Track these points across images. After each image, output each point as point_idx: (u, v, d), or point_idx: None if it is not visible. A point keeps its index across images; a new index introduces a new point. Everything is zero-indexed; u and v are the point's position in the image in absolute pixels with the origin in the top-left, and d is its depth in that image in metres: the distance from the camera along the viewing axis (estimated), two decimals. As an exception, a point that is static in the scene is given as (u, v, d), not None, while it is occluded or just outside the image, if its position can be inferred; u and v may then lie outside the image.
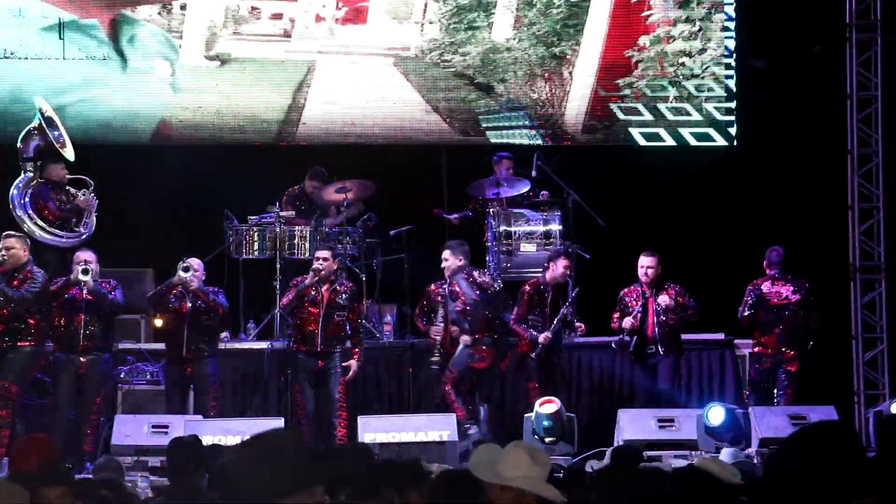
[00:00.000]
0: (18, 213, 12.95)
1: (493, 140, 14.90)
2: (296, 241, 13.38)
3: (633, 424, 11.90)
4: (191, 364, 12.02)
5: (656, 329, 12.40)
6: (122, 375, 12.54)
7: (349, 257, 13.41)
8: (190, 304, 12.02)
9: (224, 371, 12.74)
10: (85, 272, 11.73)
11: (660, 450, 11.42)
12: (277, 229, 13.31)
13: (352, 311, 12.21)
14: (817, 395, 13.18)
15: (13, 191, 13.03)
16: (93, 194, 13.01)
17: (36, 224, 12.92)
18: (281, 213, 13.39)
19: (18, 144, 13.16)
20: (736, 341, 13.28)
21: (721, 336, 13.39)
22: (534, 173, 13.94)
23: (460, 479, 4.76)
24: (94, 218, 13.02)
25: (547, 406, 11.80)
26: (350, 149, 14.92)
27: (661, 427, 11.84)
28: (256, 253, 13.39)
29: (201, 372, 12.05)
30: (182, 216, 13.51)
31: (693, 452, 11.42)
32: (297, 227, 13.44)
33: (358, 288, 12.81)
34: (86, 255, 11.99)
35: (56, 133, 13.11)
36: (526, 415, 11.94)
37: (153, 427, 11.57)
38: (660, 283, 12.52)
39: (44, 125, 13.12)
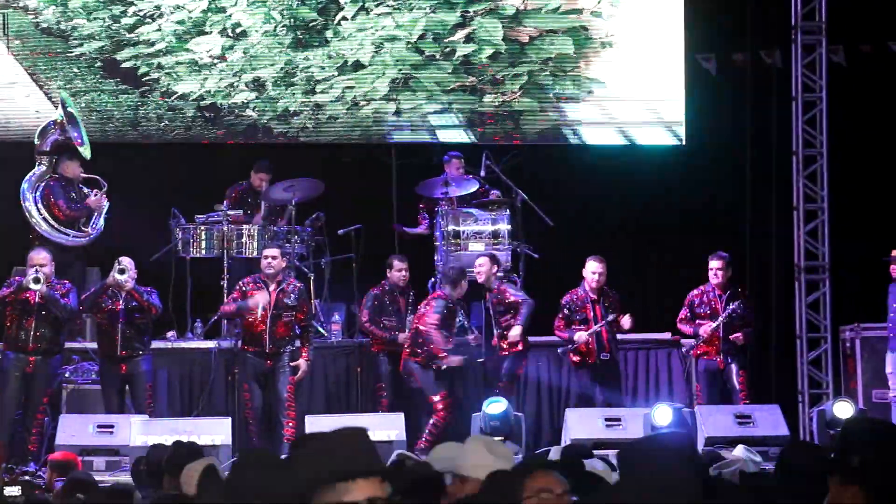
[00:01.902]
0: (27, 206, 12.91)
1: (442, 139, 14.90)
2: (243, 240, 13.33)
3: (581, 424, 11.95)
4: (125, 362, 11.96)
5: (605, 335, 12.49)
6: (66, 375, 12.46)
7: (297, 256, 13.38)
8: (123, 304, 11.97)
9: (171, 370, 12.68)
10: (36, 280, 11.67)
11: (607, 449, 11.45)
12: (225, 228, 13.26)
13: (300, 311, 12.20)
14: (762, 394, 13.30)
15: (25, 183, 12.98)
16: (105, 196, 12.97)
17: (43, 219, 12.88)
18: (228, 213, 13.34)
19: (35, 138, 13.11)
20: (682, 340, 13.36)
21: (668, 335, 13.46)
22: (483, 173, 13.96)
23: (422, 473, 4.78)
24: (103, 220, 12.98)
25: (494, 406, 11.84)
26: (298, 147, 14.89)
27: (608, 426, 11.90)
28: (204, 252, 13.34)
29: (136, 370, 12.01)
30: (128, 215, 13.41)
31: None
32: (244, 226, 13.39)
33: (306, 287, 12.79)
34: (40, 256, 11.92)
35: (76, 131, 13.05)
36: (474, 414, 11.97)
37: (98, 427, 11.51)
38: (603, 287, 12.59)
39: (65, 121, 13.08)
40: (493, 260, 12.68)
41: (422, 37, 14.78)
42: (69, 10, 14.45)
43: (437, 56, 14.82)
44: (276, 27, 14.67)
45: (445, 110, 14.86)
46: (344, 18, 14.72)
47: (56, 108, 13.59)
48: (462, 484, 4.55)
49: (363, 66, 14.74)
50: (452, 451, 4.62)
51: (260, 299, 12.02)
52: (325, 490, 3.15)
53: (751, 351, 12.95)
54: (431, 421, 12.03)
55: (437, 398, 12.13)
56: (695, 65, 15.09)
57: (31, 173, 13.08)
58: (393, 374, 12.62)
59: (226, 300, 12.38)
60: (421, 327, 12.31)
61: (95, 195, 13.03)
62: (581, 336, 12.46)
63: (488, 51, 14.83)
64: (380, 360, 12.74)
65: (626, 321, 12.50)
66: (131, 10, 14.55)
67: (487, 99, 14.90)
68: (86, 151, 13.07)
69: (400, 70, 14.77)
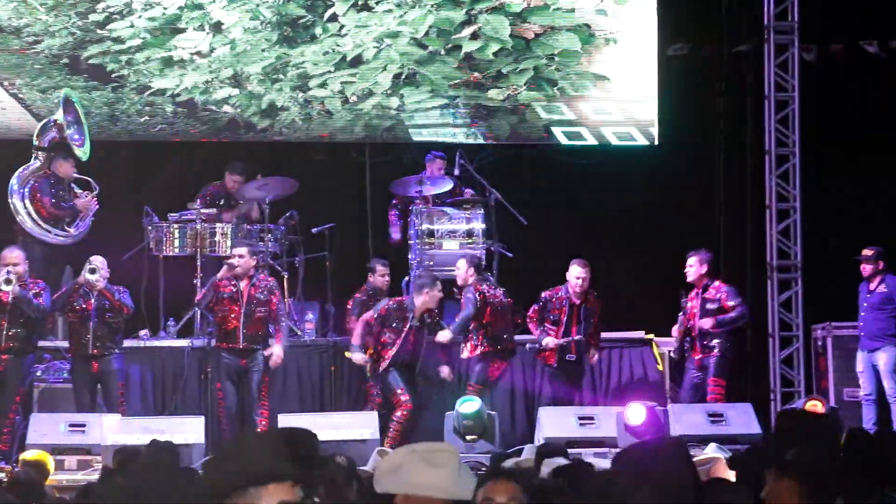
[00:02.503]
0: (14, 201, 12.89)
1: (416, 138, 14.90)
2: (217, 239, 13.30)
3: (554, 422, 11.96)
4: (97, 361, 11.94)
5: (582, 336, 12.49)
6: (38, 374, 12.41)
7: (271, 255, 13.36)
8: (95, 303, 11.95)
9: (144, 369, 12.65)
10: (7, 282, 11.62)
11: (580, 447, 11.49)
12: (198, 226, 13.23)
13: (270, 302, 12.16)
14: (734, 392, 13.34)
15: (14, 178, 12.94)
16: (95, 198, 12.94)
17: (28, 214, 12.83)
18: (202, 211, 13.31)
19: (35, 133, 13.08)
20: (655, 339, 13.39)
21: (641, 334, 13.50)
22: (457, 172, 13.97)
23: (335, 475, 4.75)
24: (90, 221, 12.94)
25: (468, 405, 11.84)
26: (272, 146, 14.87)
27: (581, 425, 11.92)
28: (177, 250, 13.30)
29: (108, 369, 11.98)
30: (101, 213, 13.37)
31: (612, 450, 11.51)
32: (217, 225, 13.36)
33: (278, 283, 12.75)
34: (13, 255, 11.87)
35: (75, 131, 13.00)
36: (447, 413, 11.97)
37: (70, 426, 11.47)
38: (586, 291, 12.60)
39: (63, 122, 13.05)
40: (471, 262, 12.61)
41: (426, 33, 14.80)
42: (28, 7, 14.36)
43: (442, 52, 14.85)
44: (262, 23, 14.64)
45: (448, 105, 14.87)
46: (335, 15, 14.70)
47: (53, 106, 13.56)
48: (406, 500, 4.50)
49: (362, 62, 14.72)
50: (393, 463, 4.54)
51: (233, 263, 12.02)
52: (237, 495, 3.15)
53: (733, 352, 12.91)
54: (396, 415, 11.96)
55: (399, 391, 12.07)
56: (668, 66, 15.12)
57: (23, 167, 13.05)
58: None
59: (201, 293, 12.32)
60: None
61: (84, 197, 13.00)
62: (549, 342, 12.47)
63: (494, 47, 14.86)
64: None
65: (593, 359, 12.58)
66: (100, 6, 14.48)
67: (466, 94, 14.93)
68: (82, 153, 13.03)
69: (403, 66, 14.78)
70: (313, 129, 14.78)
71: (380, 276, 13.01)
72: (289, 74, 14.69)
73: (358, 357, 12.15)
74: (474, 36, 14.84)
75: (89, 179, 13.14)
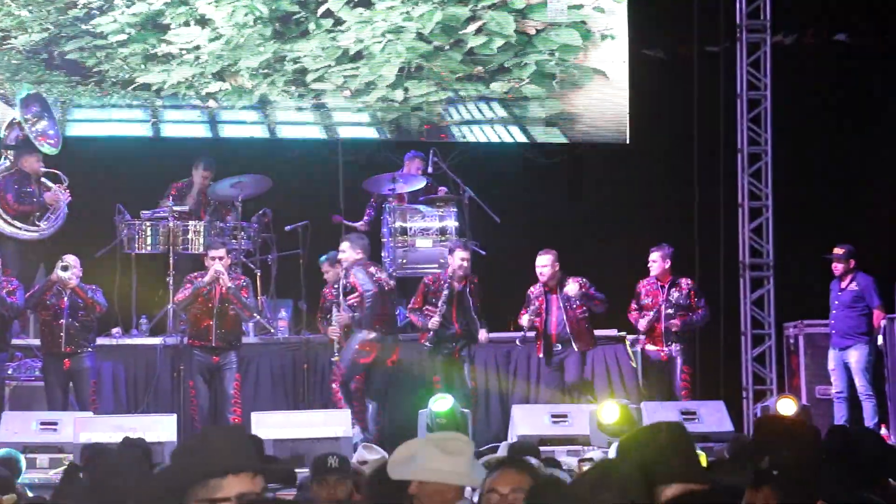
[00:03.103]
0: None
1: (390, 136, 14.90)
2: (189, 236, 13.26)
3: (527, 420, 11.97)
4: (69, 359, 11.89)
5: (564, 325, 12.49)
6: (10, 371, 12.35)
7: (244, 252, 13.32)
8: (67, 301, 11.90)
9: (116, 367, 12.60)
10: None
11: (553, 445, 11.51)
12: (170, 224, 13.18)
13: (240, 290, 12.12)
14: (707, 390, 13.38)
15: None
16: (66, 191, 12.85)
17: None
18: (174, 208, 13.27)
19: (2, 131, 13.00)
20: (628, 337, 13.42)
21: (614, 332, 13.52)
22: (430, 169, 13.97)
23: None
24: (64, 214, 12.84)
25: (441, 402, 11.83)
26: (245, 143, 14.84)
27: (554, 422, 11.93)
28: (149, 248, 13.25)
29: (80, 367, 11.94)
30: (73, 211, 13.31)
31: (585, 447, 11.53)
32: (190, 222, 13.32)
33: (252, 283, 12.70)
34: None
35: (49, 125, 12.91)
36: (420, 410, 11.96)
37: (41, 424, 11.42)
38: (562, 279, 12.61)
39: (21, 118, 12.97)
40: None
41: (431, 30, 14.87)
42: (4, 4, 14.30)
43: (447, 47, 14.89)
44: (254, 19, 14.61)
45: (455, 99, 14.89)
46: (329, 11, 14.70)
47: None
48: (420, 487, 4.52)
49: (363, 57, 14.73)
50: (409, 451, 4.58)
51: (216, 270, 11.95)
52: (198, 487, 3.16)
53: (697, 342, 12.98)
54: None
55: (341, 365, 12.11)
56: (640, 63, 15.17)
57: None
58: None
59: (179, 293, 12.27)
60: None
61: (53, 191, 12.93)
62: (525, 319, 12.51)
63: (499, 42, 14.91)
64: None
65: (568, 288, 12.53)
66: (81, 1, 14.42)
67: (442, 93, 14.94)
68: (48, 147, 12.96)
69: (408, 60, 14.79)
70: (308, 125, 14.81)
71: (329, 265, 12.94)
72: (284, 69, 14.68)
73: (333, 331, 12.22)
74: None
75: (58, 172, 13.06)
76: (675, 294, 12.66)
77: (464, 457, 4.61)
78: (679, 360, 12.63)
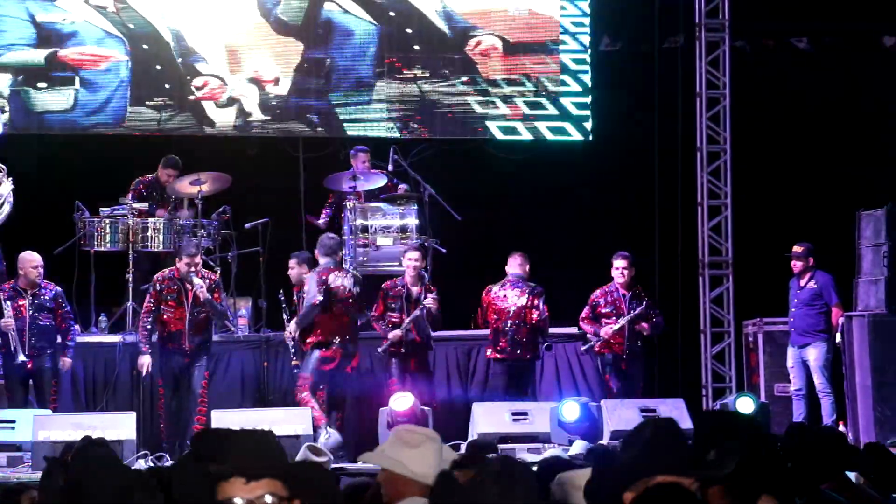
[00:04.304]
0: None
1: (350, 133, 14.87)
2: (149, 234, 13.19)
3: (487, 418, 11.98)
4: (31, 360, 11.82)
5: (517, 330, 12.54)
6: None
7: (203, 250, 13.26)
8: (29, 303, 11.83)
9: (75, 365, 12.52)
10: None
11: (514, 443, 11.53)
12: (130, 221, 13.11)
13: (213, 292, 12.06)
14: (667, 387, 13.44)
15: None
16: (7, 179, 12.68)
17: None
18: (133, 206, 13.19)
19: None
20: (582, 348, 13.43)
21: (576, 330, 13.54)
22: (390, 167, 13.95)
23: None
24: (8, 207, 12.65)
25: (401, 401, 11.82)
26: (205, 140, 14.78)
27: (514, 420, 11.95)
28: (108, 245, 13.17)
29: (40, 366, 11.86)
30: (31, 207, 13.22)
31: (546, 445, 11.55)
32: (150, 220, 13.25)
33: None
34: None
35: None
36: (381, 409, 11.95)
37: (0, 422, 11.36)
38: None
39: None
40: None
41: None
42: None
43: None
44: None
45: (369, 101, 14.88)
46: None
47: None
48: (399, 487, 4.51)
49: None
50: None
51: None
52: (224, 486, 3.15)
53: (653, 351, 13.06)
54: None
55: (305, 375, 12.07)
56: (601, 61, 15.22)
57: None
58: None
59: (146, 301, 12.14)
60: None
61: None
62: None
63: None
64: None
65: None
66: None
67: (398, 88, 14.93)
68: None
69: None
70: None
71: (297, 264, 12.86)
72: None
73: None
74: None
75: None
76: (637, 305, 12.69)
77: (423, 450, 4.59)
78: (637, 371, 12.70)
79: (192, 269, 11.93)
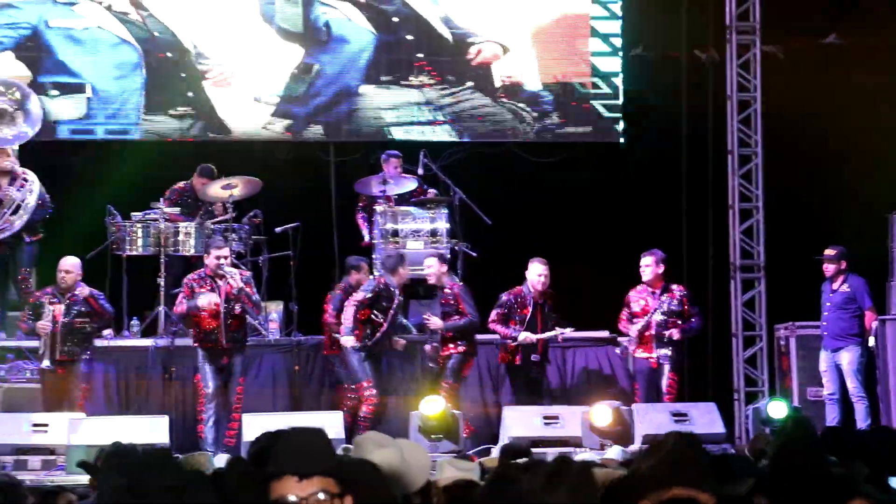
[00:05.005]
0: None
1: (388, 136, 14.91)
2: (180, 238, 13.24)
3: (519, 422, 11.98)
4: (63, 367, 11.89)
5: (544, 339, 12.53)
6: (1, 373, 12.33)
7: (235, 254, 13.29)
8: (64, 308, 11.90)
9: (108, 369, 12.58)
10: None
11: (545, 447, 11.51)
12: (161, 225, 13.16)
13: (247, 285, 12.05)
14: (698, 392, 13.40)
15: None
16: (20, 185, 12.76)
17: None
18: (165, 210, 13.25)
19: None
20: (619, 339, 13.42)
21: (605, 333, 13.52)
22: (420, 171, 13.97)
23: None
24: (25, 216, 12.71)
25: (432, 404, 11.82)
26: (236, 144, 14.82)
27: (546, 424, 11.94)
28: (140, 249, 13.23)
29: (71, 370, 11.93)
30: (65, 213, 13.30)
31: (577, 449, 11.54)
32: (181, 224, 13.30)
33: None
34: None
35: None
36: (412, 412, 11.96)
37: (34, 426, 11.41)
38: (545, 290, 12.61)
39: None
40: (441, 259, 12.62)
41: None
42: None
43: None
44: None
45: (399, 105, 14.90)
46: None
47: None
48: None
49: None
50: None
51: (211, 298, 11.85)
52: (276, 484, 3.18)
53: (687, 348, 12.97)
54: (364, 411, 11.93)
55: (366, 383, 12.04)
56: (632, 65, 15.19)
57: None
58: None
59: (178, 300, 12.18)
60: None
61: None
62: (528, 337, 12.45)
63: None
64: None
65: (569, 331, 12.57)
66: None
67: (432, 94, 14.94)
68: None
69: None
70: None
71: (365, 273, 12.87)
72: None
73: (350, 340, 12.07)
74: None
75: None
76: (666, 300, 12.62)
77: (391, 450, 4.53)
78: (666, 367, 12.57)
79: (222, 261, 11.91)
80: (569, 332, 12.53)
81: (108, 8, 14.48)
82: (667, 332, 12.52)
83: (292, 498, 3.18)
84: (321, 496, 3.19)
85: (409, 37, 14.93)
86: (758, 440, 9.40)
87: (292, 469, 3.20)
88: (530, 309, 12.52)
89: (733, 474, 3.85)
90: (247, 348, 12.24)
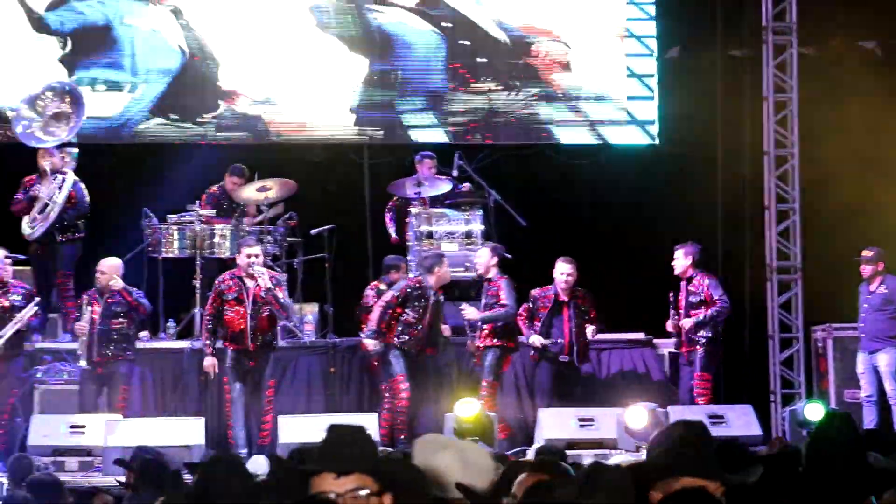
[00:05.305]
0: None
1: (414, 139, 14.89)
2: (216, 240, 13.27)
3: (554, 423, 11.96)
4: (101, 367, 11.93)
5: (572, 337, 12.45)
6: (38, 375, 12.39)
7: (270, 256, 13.32)
8: (101, 309, 11.95)
9: (143, 370, 12.63)
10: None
11: (580, 449, 11.49)
12: (197, 228, 13.20)
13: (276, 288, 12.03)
14: (734, 394, 13.34)
15: None
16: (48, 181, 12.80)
17: None
18: (200, 212, 13.28)
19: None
20: (655, 340, 13.38)
21: (641, 335, 13.48)
22: (455, 172, 13.97)
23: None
24: (56, 211, 12.74)
25: (466, 406, 11.80)
26: (271, 147, 14.86)
27: (581, 426, 11.91)
28: (176, 252, 13.27)
29: (111, 371, 11.97)
30: (101, 215, 13.36)
31: (613, 451, 11.51)
32: (217, 226, 13.33)
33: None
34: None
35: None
36: (446, 414, 11.95)
37: (71, 427, 11.46)
38: (573, 289, 12.55)
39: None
40: (495, 252, 12.59)
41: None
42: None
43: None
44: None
45: (420, 109, 14.88)
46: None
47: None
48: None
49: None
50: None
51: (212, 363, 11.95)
52: (316, 480, 3.20)
53: (721, 347, 12.87)
54: (399, 406, 11.93)
55: (400, 378, 12.04)
56: (667, 65, 15.14)
57: None
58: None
59: (208, 303, 12.18)
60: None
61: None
62: (535, 340, 12.44)
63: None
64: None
65: (590, 332, 12.48)
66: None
67: (463, 96, 14.93)
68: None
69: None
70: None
71: (403, 272, 12.87)
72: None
73: (372, 343, 12.08)
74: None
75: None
76: (689, 290, 12.50)
77: (453, 454, 4.52)
78: (697, 365, 12.47)
79: (253, 260, 11.91)
80: (590, 333, 12.44)
81: (174, 11, 14.54)
82: (681, 322, 12.40)
83: (331, 494, 3.19)
84: (360, 493, 3.20)
85: (465, 41, 14.93)
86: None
87: (331, 466, 3.22)
88: (549, 308, 12.48)
89: (742, 462, 3.86)
90: (276, 350, 12.18)
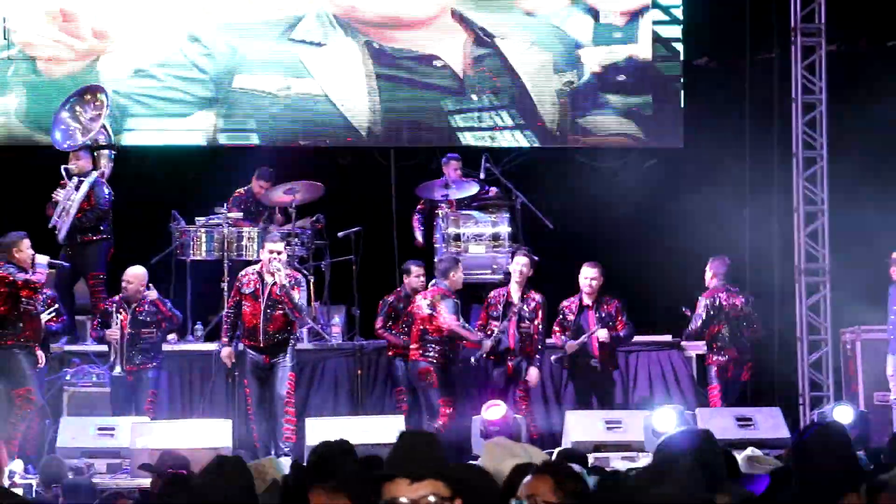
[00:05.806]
0: None
1: (437, 143, 14.93)
2: (244, 243, 13.31)
3: (581, 426, 11.94)
4: (131, 375, 12.01)
5: (594, 345, 12.45)
6: (67, 377, 12.45)
7: (297, 259, 13.36)
8: (130, 317, 11.99)
9: (172, 373, 12.68)
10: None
11: (607, 451, 11.47)
12: (225, 230, 13.24)
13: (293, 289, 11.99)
14: (762, 396, 13.29)
15: None
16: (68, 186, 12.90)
17: None
18: (228, 214, 13.32)
19: None
20: (683, 343, 13.35)
21: (668, 338, 13.46)
22: (482, 175, 13.97)
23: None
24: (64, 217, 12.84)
25: (494, 410, 11.80)
26: (298, 150, 14.89)
27: (608, 428, 11.89)
28: (204, 254, 13.32)
29: (140, 378, 12.04)
30: (129, 218, 13.42)
31: (640, 454, 11.48)
32: (244, 229, 13.37)
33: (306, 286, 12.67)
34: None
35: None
36: (474, 417, 11.95)
37: (99, 429, 11.51)
38: (601, 295, 12.52)
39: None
40: (532, 264, 12.57)
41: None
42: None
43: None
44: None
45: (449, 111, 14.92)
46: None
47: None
48: None
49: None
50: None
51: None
52: (389, 486, 3.28)
53: (749, 353, 12.89)
54: (434, 427, 11.93)
55: (445, 401, 12.06)
56: (694, 68, 15.11)
57: None
58: (409, 378, 12.50)
59: (230, 297, 12.25)
60: (444, 328, 12.16)
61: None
62: (571, 345, 12.43)
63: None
64: (396, 364, 12.69)
65: (601, 333, 12.43)
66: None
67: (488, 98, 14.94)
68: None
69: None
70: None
71: (415, 276, 12.89)
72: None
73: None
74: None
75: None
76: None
77: (522, 461, 4.59)
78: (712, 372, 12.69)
79: (274, 255, 11.90)
80: (602, 336, 12.38)
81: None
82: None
83: (403, 500, 3.25)
84: (431, 499, 3.26)
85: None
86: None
87: (404, 471, 3.27)
88: (575, 314, 12.46)
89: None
90: (292, 347, 12.03)
